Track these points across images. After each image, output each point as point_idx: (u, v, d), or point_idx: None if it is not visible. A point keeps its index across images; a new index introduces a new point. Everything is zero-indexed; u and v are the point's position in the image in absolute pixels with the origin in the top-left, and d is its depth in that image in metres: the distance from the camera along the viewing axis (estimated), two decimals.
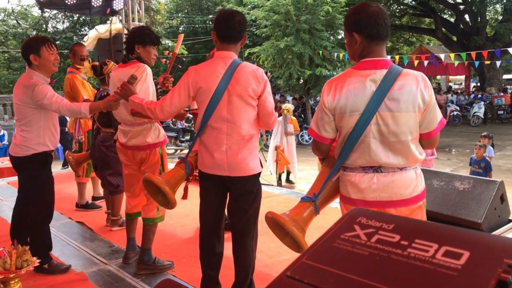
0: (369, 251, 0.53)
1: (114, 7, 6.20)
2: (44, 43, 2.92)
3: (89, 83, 4.46)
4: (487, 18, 20.57)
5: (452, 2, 20.65)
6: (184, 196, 2.69)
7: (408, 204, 1.77)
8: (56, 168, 8.62)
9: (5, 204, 4.90)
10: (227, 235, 2.51)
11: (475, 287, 0.45)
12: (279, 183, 7.55)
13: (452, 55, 11.16)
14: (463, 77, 22.52)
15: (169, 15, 24.46)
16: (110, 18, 6.46)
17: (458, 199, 3.50)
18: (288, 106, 7.81)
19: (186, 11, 24.49)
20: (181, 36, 3.47)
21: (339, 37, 15.48)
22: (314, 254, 0.54)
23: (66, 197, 5.12)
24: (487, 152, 6.90)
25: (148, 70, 2.82)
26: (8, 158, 8.32)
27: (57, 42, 19.62)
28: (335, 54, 12.65)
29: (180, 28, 24.57)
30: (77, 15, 18.12)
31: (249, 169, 2.29)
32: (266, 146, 8.72)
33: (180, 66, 2.59)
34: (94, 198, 4.81)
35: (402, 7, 22.05)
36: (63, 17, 18.79)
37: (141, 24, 6.50)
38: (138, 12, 6.85)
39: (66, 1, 5.85)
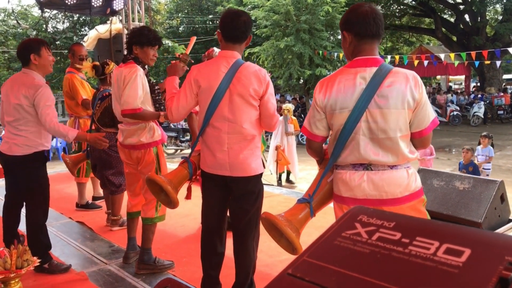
0: (370, 249, 0.53)
1: (114, 7, 6.20)
2: (44, 44, 2.98)
3: (88, 83, 4.46)
4: (487, 18, 20.56)
5: (452, 2, 20.65)
6: (188, 196, 2.69)
7: (399, 203, 1.76)
8: (56, 168, 8.62)
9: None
10: (229, 235, 2.51)
11: (476, 284, 0.45)
12: (279, 183, 7.55)
13: (452, 55, 11.16)
14: (463, 77, 22.52)
15: (169, 15, 24.47)
16: (110, 18, 6.45)
17: (458, 199, 3.50)
18: (289, 106, 7.81)
19: (186, 11, 24.50)
20: (194, 39, 3.45)
21: (339, 37, 15.46)
22: (315, 252, 0.54)
23: (66, 197, 5.12)
24: (487, 151, 6.90)
25: (139, 72, 2.79)
26: None
27: (57, 42, 19.63)
28: (335, 54, 12.65)
29: (180, 28, 24.58)
30: (77, 15, 18.14)
31: (251, 169, 2.29)
32: (267, 146, 8.72)
33: (188, 68, 2.58)
34: (94, 198, 4.81)
35: (402, 7, 22.05)
36: (63, 17, 18.81)
37: (141, 24, 6.50)
38: (138, 12, 6.85)
39: (66, 1, 5.85)
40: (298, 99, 16.73)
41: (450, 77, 23.36)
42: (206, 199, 2.47)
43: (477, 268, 0.47)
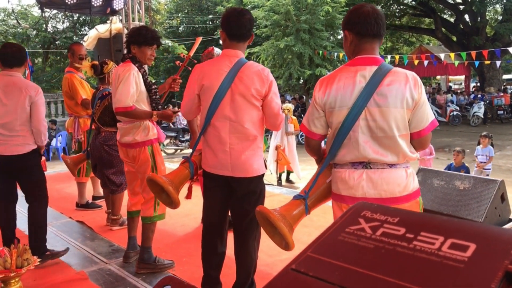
0: (374, 244, 0.52)
1: (114, 7, 6.19)
2: None
3: (87, 83, 4.46)
4: (487, 18, 20.57)
5: (452, 2, 20.66)
6: (188, 196, 2.69)
7: (397, 202, 1.76)
8: (56, 168, 8.62)
9: None
10: (230, 234, 2.50)
11: (482, 279, 0.44)
12: (279, 183, 7.55)
13: (452, 55, 11.16)
14: (463, 77, 22.52)
15: (169, 15, 24.47)
16: (110, 18, 6.45)
17: (459, 198, 3.50)
18: (289, 106, 7.81)
19: (186, 11, 24.49)
20: (199, 40, 3.44)
21: (339, 37, 15.46)
22: (319, 247, 0.54)
23: (66, 197, 5.12)
24: (487, 151, 6.90)
25: (133, 71, 2.79)
26: None
27: (57, 42, 19.64)
28: (335, 54, 12.65)
29: (180, 28, 24.58)
30: (77, 14, 18.13)
31: (252, 170, 2.28)
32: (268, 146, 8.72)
33: (191, 68, 2.58)
34: (94, 198, 4.81)
35: (402, 7, 22.06)
36: (63, 17, 18.80)
37: (141, 24, 6.49)
38: (138, 12, 6.84)
39: (66, 1, 5.85)
40: (298, 99, 16.74)
41: (450, 77, 23.36)
42: (208, 199, 2.47)
43: (482, 263, 0.46)
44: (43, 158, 8.07)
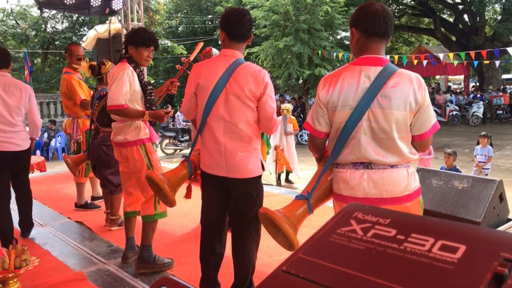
0: (365, 246, 0.52)
1: (113, 7, 6.20)
2: None
3: (85, 83, 4.46)
4: (486, 18, 20.57)
5: (451, 2, 20.66)
6: (187, 195, 2.68)
7: (399, 202, 1.76)
8: (56, 168, 8.62)
9: None
10: (229, 235, 2.50)
11: (471, 280, 0.44)
12: (279, 183, 7.55)
13: (451, 54, 11.16)
14: (462, 77, 22.53)
15: (168, 15, 24.45)
16: (109, 18, 6.45)
17: (457, 198, 3.50)
18: (288, 106, 7.81)
19: (185, 11, 24.48)
20: (200, 45, 3.44)
21: (338, 37, 15.48)
22: (310, 249, 0.54)
23: (65, 197, 5.12)
24: (486, 151, 6.90)
25: (127, 70, 2.81)
26: None
27: (56, 42, 19.63)
28: (334, 54, 12.64)
29: (179, 28, 24.56)
30: (76, 15, 18.12)
31: (247, 171, 2.27)
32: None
33: (189, 72, 2.61)
34: (93, 198, 4.81)
35: (401, 7, 22.07)
36: (62, 17, 18.79)
37: (140, 24, 6.49)
38: (137, 12, 6.84)
39: (65, 1, 5.85)
40: (297, 99, 16.74)
41: (449, 77, 23.37)
42: (205, 200, 2.47)
43: (472, 265, 0.46)
44: (42, 158, 8.09)
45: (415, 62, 11.53)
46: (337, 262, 0.50)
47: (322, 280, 0.47)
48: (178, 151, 12.14)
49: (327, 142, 2.01)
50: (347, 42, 16.40)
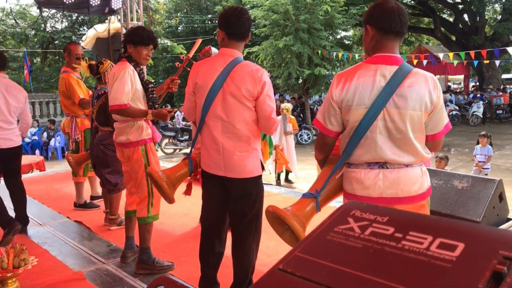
0: (362, 244, 0.52)
1: (113, 7, 6.18)
2: None
3: (83, 82, 4.45)
4: (486, 17, 20.56)
5: (451, 1, 20.65)
6: (187, 192, 2.67)
7: (414, 201, 1.75)
8: (55, 168, 8.61)
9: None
10: (229, 234, 2.50)
11: (469, 279, 0.44)
12: (278, 183, 7.54)
13: (451, 54, 11.15)
14: (462, 76, 22.53)
15: (168, 14, 24.44)
16: (108, 18, 6.44)
17: (457, 197, 3.50)
18: (287, 105, 7.80)
19: (185, 10, 24.47)
20: (199, 41, 3.43)
21: (338, 36, 15.46)
22: (307, 247, 0.53)
23: (64, 197, 5.11)
24: (486, 151, 6.90)
25: (128, 69, 2.79)
26: None
27: (56, 42, 19.61)
28: (334, 53, 12.63)
29: (179, 28, 24.55)
30: (76, 14, 18.08)
31: (246, 171, 2.25)
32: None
33: (189, 69, 2.59)
34: (92, 198, 4.80)
35: None
36: (62, 16, 18.78)
37: (140, 23, 6.48)
38: (137, 11, 6.83)
39: (65, 1, 5.84)
40: (297, 98, 16.72)
41: (449, 76, 23.36)
42: (206, 199, 2.46)
43: (470, 263, 0.46)
44: (42, 157, 8.09)
45: (415, 61, 11.51)
46: (334, 261, 0.49)
47: (319, 279, 0.47)
48: (177, 150, 12.13)
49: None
50: (347, 42, 16.40)
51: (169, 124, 12.24)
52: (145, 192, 2.94)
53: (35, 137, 12.46)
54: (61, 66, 18.28)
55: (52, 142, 12.31)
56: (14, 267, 2.41)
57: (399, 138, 1.72)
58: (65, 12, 8.01)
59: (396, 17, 1.73)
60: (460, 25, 19.86)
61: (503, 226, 3.47)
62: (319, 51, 12.84)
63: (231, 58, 2.24)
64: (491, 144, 7.08)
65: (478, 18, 18.72)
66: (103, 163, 3.69)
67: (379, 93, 1.69)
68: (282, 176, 7.88)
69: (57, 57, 21.07)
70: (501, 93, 17.24)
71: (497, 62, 13.36)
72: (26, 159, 7.74)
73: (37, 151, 11.41)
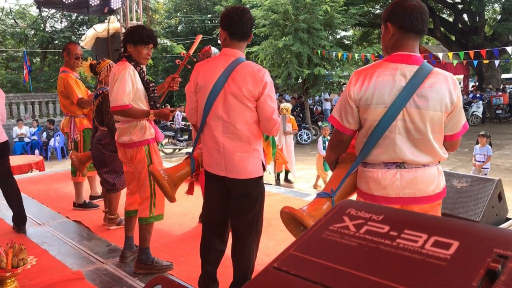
0: (357, 242, 0.52)
1: (112, 6, 6.18)
2: None
3: (82, 82, 4.45)
4: (485, 17, 20.56)
5: (450, 1, 20.66)
6: (189, 191, 2.67)
7: (431, 200, 1.74)
8: (54, 167, 8.61)
9: (2, 203, 4.88)
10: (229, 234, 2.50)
11: (463, 277, 0.44)
12: (278, 182, 7.54)
13: (450, 54, 11.15)
14: (461, 76, 22.51)
15: (167, 14, 24.43)
16: (108, 17, 6.44)
17: (456, 197, 3.50)
18: (287, 105, 7.80)
19: (184, 10, 24.46)
20: (199, 38, 3.42)
21: (338, 36, 15.45)
22: (302, 245, 0.53)
23: (63, 196, 5.11)
24: (485, 150, 6.89)
25: (129, 69, 2.77)
26: None
27: (55, 42, 19.61)
28: (334, 53, 12.63)
29: (178, 28, 24.54)
30: (75, 14, 18.07)
31: (246, 172, 2.25)
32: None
33: (190, 67, 2.57)
34: (92, 198, 4.80)
35: None
36: (61, 16, 18.77)
37: (139, 23, 6.48)
38: (136, 11, 6.82)
39: (64, 0, 5.84)
40: (297, 98, 16.71)
41: None
42: (207, 197, 2.47)
43: (465, 261, 0.46)
44: (41, 157, 8.09)
45: None
46: (329, 259, 0.49)
47: (313, 277, 0.47)
48: (177, 150, 12.14)
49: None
50: (346, 42, 16.40)
51: (167, 124, 12.25)
52: (148, 192, 2.93)
53: (35, 137, 12.46)
54: (60, 66, 18.29)
55: (51, 142, 12.31)
56: (13, 266, 2.41)
57: (418, 139, 1.70)
58: (64, 12, 8.01)
59: (418, 15, 1.71)
60: (460, 25, 19.86)
61: (503, 226, 3.47)
62: (319, 51, 12.84)
63: (232, 58, 2.23)
64: (490, 144, 7.08)
65: (477, 18, 18.72)
66: (101, 162, 3.69)
67: (399, 92, 1.67)
68: (282, 176, 7.88)
69: (56, 57, 21.06)
70: (500, 93, 17.23)
71: (497, 62, 13.36)
72: (25, 159, 7.75)
73: (37, 151, 11.41)
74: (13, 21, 19.13)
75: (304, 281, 0.47)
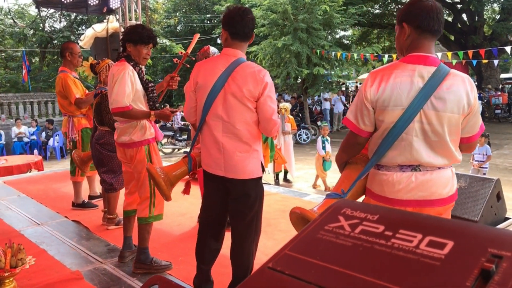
0: (352, 242, 0.52)
1: (111, 6, 6.18)
2: None
3: (80, 82, 4.45)
4: (484, 17, 20.57)
5: (449, 1, 20.67)
6: (185, 191, 2.67)
7: (445, 203, 1.73)
8: (54, 167, 8.60)
9: (1, 203, 4.88)
10: (228, 234, 2.49)
11: (458, 276, 0.44)
12: (277, 182, 7.55)
13: (449, 54, 11.16)
14: None
15: (166, 14, 24.41)
16: (107, 17, 6.43)
17: None
18: (286, 105, 7.80)
19: (183, 10, 24.43)
20: (196, 36, 3.42)
21: (337, 36, 15.45)
22: (297, 245, 0.53)
23: (62, 196, 5.11)
24: (484, 150, 6.90)
25: (128, 69, 2.76)
26: (5, 157, 8.30)
27: (54, 41, 19.58)
28: (333, 53, 12.63)
29: (177, 28, 24.52)
30: (74, 14, 18.03)
31: (245, 172, 2.25)
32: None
33: (189, 66, 2.57)
34: (91, 197, 4.80)
35: (400, 6, 22.06)
36: (60, 16, 18.76)
37: (138, 23, 6.47)
38: (135, 11, 6.82)
39: (63, 0, 5.83)
40: (296, 98, 16.71)
41: None
42: (205, 197, 2.47)
43: (459, 261, 0.46)
44: (40, 157, 8.09)
45: None
46: (324, 259, 0.49)
47: (308, 277, 0.47)
48: (176, 150, 12.13)
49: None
50: (345, 42, 16.40)
51: (167, 124, 12.24)
52: (147, 192, 2.93)
53: (34, 137, 12.45)
54: (59, 65, 18.28)
55: (50, 142, 12.30)
56: (11, 266, 2.41)
57: (435, 141, 1.68)
58: (63, 12, 8.00)
59: (434, 15, 1.70)
60: (459, 25, 19.87)
61: (501, 225, 3.47)
62: (318, 51, 12.84)
63: (233, 59, 2.23)
64: (489, 144, 7.09)
65: (476, 17, 18.73)
66: (99, 162, 3.69)
67: (417, 94, 1.64)
68: (281, 175, 7.88)
69: (55, 57, 21.03)
70: (499, 93, 17.25)
71: (496, 62, 13.37)
72: (24, 159, 7.75)
73: (36, 151, 11.40)
74: (12, 20, 19.10)
75: (298, 281, 0.47)
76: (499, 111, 16.48)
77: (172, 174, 2.44)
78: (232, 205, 2.36)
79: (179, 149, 12.06)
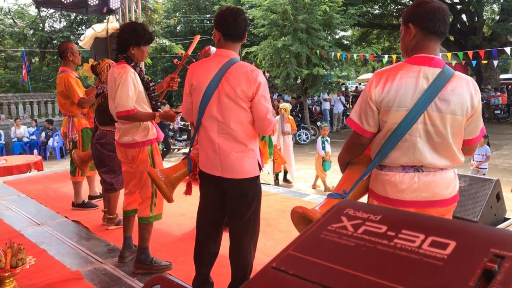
0: (355, 242, 0.52)
1: (111, 6, 6.19)
2: None
3: (80, 82, 4.46)
4: (484, 17, 20.59)
5: (449, 1, 20.69)
6: (187, 192, 2.68)
7: (447, 204, 1.74)
8: (54, 167, 8.60)
9: (1, 203, 4.88)
10: (226, 234, 2.50)
11: (460, 276, 0.44)
12: (276, 182, 7.55)
13: (449, 54, 11.17)
14: None
15: (166, 14, 24.42)
16: (107, 17, 6.43)
17: None
18: (286, 105, 7.80)
19: (183, 10, 24.44)
20: (197, 38, 3.43)
21: (337, 36, 15.45)
22: (300, 245, 0.54)
23: (62, 196, 5.11)
24: (484, 151, 6.91)
25: (129, 72, 2.77)
26: (4, 157, 8.30)
27: (54, 41, 19.57)
28: (333, 53, 12.64)
29: (177, 28, 24.53)
30: (74, 14, 18.03)
31: (242, 172, 2.25)
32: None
33: (188, 67, 2.60)
34: (91, 197, 4.80)
35: (399, 6, 22.09)
36: (60, 16, 18.75)
37: (134, 21, 6.46)
38: (135, 11, 6.82)
39: (63, 0, 5.84)
40: (296, 98, 16.71)
41: None
42: (202, 198, 2.47)
43: (461, 261, 0.46)
44: (40, 157, 8.09)
45: None
46: (327, 259, 0.50)
47: (311, 277, 0.47)
48: (176, 150, 12.13)
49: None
50: (345, 42, 16.41)
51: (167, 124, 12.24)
52: (149, 192, 2.95)
53: (33, 137, 12.44)
54: (59, 65, 18.28)
55: (50, 142, 12.30)
56: (11, 266, 2.41)
57: (439, 142, 1.69)
58: (63, 12, 8.00)
59: (441, 17, 1.71)
60: (458, 25, 19.88)
61: (501, 226, 3.48)
62: (318, 51, 12.84)
63: (226, 59, 2.24)
64: (488, 144, 7.10)
65: (476, 18, 18.75)
66: (99, 162, 3.69)
67: (421, 95, 1.65)
68: (280, 176, 7.89)
69: (55, 57, 21.02)
70: (499, 93, 17.27)
71: (495, 62, 13.38)
72: (24, 159, 7.75)
73: (35, 151, 11.40)
74: (11, 20, 19.10)
75: (302, 281, 0.47)
76: (498, 111, 16.50)
77: (172, 176, 2.45)
78: (229, 205, 2.36)
79: (178, 149, 12.05)
